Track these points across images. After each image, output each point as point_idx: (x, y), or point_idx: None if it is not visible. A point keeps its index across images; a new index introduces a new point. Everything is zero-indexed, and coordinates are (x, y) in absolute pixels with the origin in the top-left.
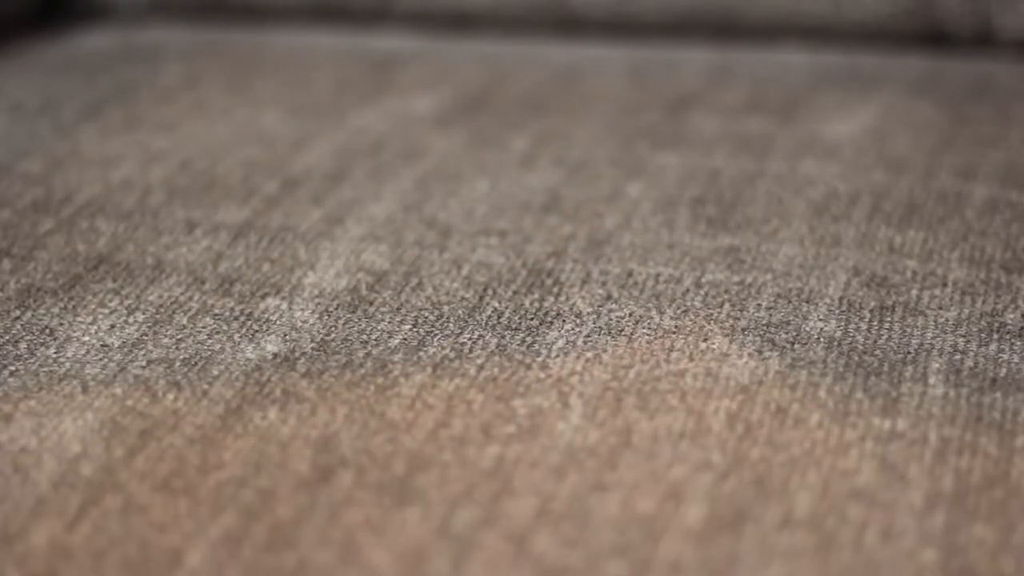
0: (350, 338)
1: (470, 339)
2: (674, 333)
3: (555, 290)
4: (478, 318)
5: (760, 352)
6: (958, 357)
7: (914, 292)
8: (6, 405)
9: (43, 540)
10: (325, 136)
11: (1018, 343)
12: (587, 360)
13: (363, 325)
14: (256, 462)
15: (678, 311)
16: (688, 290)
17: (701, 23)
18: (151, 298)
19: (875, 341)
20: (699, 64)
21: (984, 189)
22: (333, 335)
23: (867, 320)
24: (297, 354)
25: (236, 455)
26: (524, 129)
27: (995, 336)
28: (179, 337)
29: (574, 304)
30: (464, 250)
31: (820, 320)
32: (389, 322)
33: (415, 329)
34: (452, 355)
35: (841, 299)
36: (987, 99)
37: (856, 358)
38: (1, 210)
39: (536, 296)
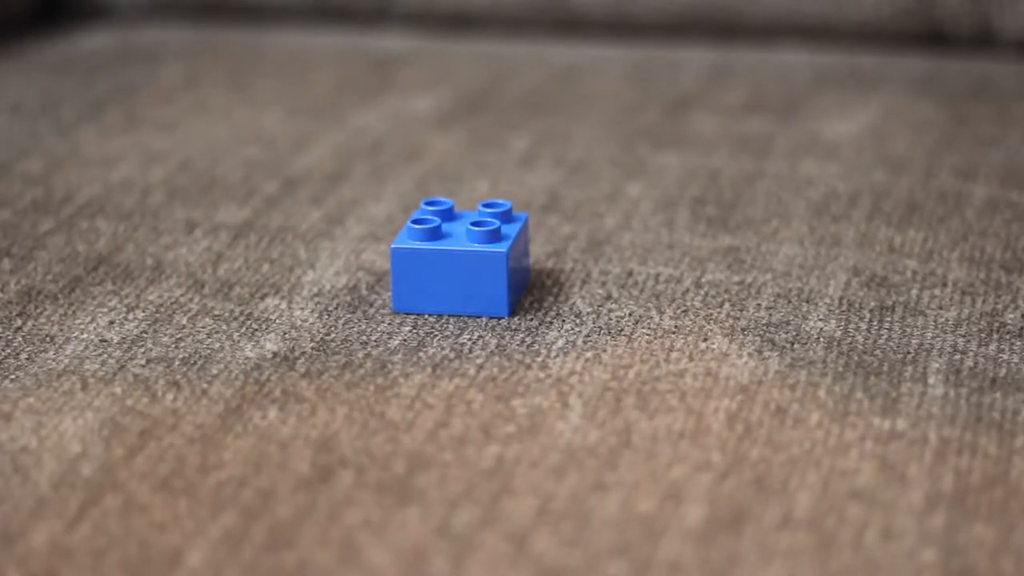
0: (350, 338)
1: (470, 339)
2: (674, 333)
3: (555, 290)
4: (478, 318)
5: (760, 352)
6: (958, 357)
7: (914, 292)
8: (5, 404)
9: (43, 540)
10: (325, 136)
11: (1018, 343)
12: (587, 360)
13: (363, 325)
14: (256, 462)
15: (678, 311)
16: (688, 290)
17: (701, 23)
18: (151, 298)
19: (875, 341)
20: (699, 64)
21: (984, 189)
22: (333, 335)
23: (867, 320)
24: (297, 354)
25: (236, 455)
26: (524, 129)
27: (995, 336)
28: (179, 336)
29: (574, 304)
30: None
31: (820, 320)
32: (389, 323)
33: (415, 330)
34: (452, 355)
35: (841, 299)
36: (987, 99)
37: (856, 358)
38: (1, 210)
39: (535, 297)
